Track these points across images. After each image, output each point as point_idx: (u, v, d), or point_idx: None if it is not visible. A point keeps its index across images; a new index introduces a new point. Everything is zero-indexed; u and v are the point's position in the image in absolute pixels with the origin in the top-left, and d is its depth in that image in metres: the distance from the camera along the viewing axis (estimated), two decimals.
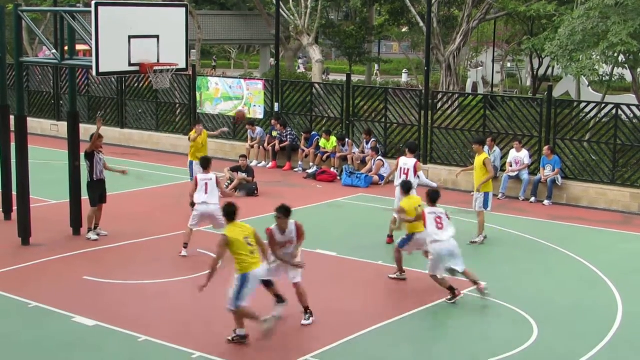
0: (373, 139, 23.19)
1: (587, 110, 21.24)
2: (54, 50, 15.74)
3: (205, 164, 15.51)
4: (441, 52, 33.62)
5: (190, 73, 26.20)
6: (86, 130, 27.97)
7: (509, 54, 45.71)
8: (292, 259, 11.73)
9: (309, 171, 23.44)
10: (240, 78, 28.08)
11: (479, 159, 16.63)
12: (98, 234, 16.30)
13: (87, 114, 28.97)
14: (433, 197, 13.29)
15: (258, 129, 25.23)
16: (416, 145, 18.68)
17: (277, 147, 24.65)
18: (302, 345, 11.21)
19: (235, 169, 21.27)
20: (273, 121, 25.02)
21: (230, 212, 11.25)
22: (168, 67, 14.66)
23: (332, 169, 23.28)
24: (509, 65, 51.13)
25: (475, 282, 13.03)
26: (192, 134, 19.10)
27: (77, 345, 11.21)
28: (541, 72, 39.90)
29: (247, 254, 10.96)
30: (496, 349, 11.17)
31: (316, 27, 36.74)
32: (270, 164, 24.72)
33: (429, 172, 22.41)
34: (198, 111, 26.53)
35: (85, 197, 16.46)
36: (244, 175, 21.00)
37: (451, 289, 13.01)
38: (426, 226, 13.13)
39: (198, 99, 26.45)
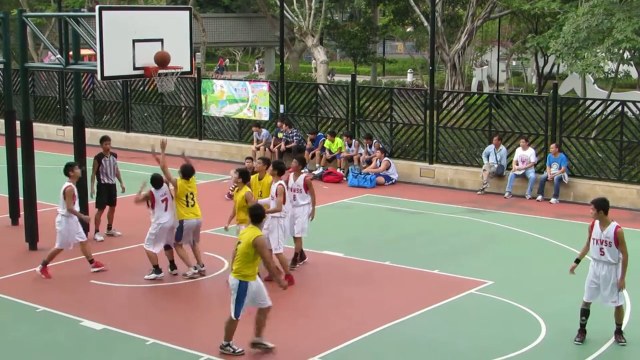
0: (375, 141, 23.17)
1: (592, 107, 21.18)
2: (58, 55, 15.78)
3: None
4: (446, 51, 33.60)
5: (196, 76, 26.24)
6: (92, 134, 28.08)
7: (513, 52, 45.64)
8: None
9: (315, 172, 23.43)
10: (245, 80, 28.10)
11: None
12: (104, 237, 16.60)
13: (92, 118, 29.03)
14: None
15: (264, 131, 25.25)
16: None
17: (282, 148, 24.66)
18: (307, 347, 11.19)
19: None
20: (279, 123, 25.03)
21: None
22: (173, 71, 14.67)
23: (338, 170, 23.28)
24: (514, 63, 51.05)
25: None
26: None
27: (85, 349, 11.23)
28: (546, 70, 39.82)
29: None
30: (504, 348, 11.15)
31: (320, 28, 36.76)
32: None
33: (435, 172, 22.44)
34: (204, 114, 26.58)
35: (91, 201, 16.67)
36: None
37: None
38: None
39: (203, 101, 26.48)
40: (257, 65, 61.62)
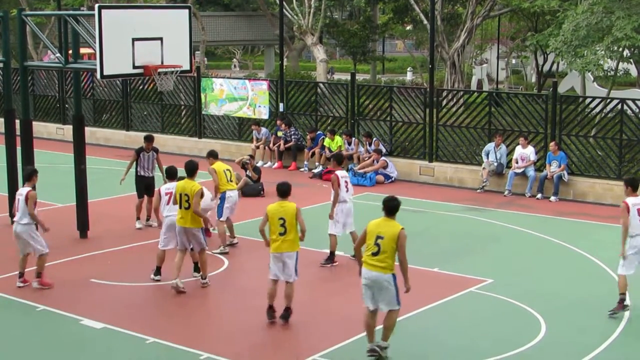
0: (375, 139, 23.16)
1: (592, 105, 21.19)
2: (58, 54, 15.78)
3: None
4: (445, 49, 33.59)
5: (195, 74, 26.24)
6: (92, 133, 28.13)
7: (513, 50, 45.64)
8: None
9: (315, 171, 23.43)
10: (244, 79, 28.10)
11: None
12: (143, 225, 17.21)
13: (92, 117, 29.03)
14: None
15: (263, 130, 25.25)
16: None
17: (282, 147, 24.66)
18: (310, 344, 11.21)
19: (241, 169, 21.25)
20: (278, 121, 25.03)
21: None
22: (172, 69, 14.66)
23: None
24: (513, 61, 51.03)
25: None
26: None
27: (85, 348, 11.24)
28: (546, 68, 39.79)
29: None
30: (504, 346, 11.15)
31: (320, 26, 36.72)
32: (276, 164, 24.74)
33: (434, 170, 22.44)
34: (203, 112, 26.58)
35: (91, 199, 16.83)
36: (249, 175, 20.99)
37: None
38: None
39: (203, 100, 26.48)
40: (235, 64, 61.66)
